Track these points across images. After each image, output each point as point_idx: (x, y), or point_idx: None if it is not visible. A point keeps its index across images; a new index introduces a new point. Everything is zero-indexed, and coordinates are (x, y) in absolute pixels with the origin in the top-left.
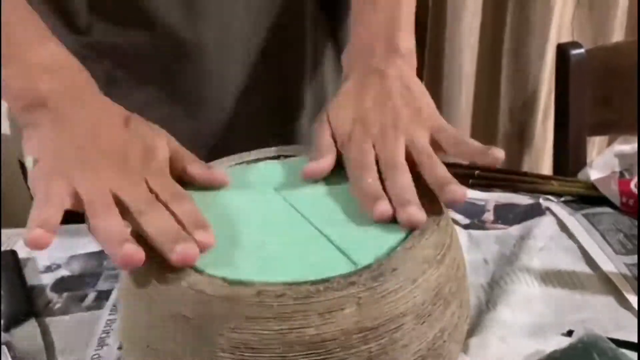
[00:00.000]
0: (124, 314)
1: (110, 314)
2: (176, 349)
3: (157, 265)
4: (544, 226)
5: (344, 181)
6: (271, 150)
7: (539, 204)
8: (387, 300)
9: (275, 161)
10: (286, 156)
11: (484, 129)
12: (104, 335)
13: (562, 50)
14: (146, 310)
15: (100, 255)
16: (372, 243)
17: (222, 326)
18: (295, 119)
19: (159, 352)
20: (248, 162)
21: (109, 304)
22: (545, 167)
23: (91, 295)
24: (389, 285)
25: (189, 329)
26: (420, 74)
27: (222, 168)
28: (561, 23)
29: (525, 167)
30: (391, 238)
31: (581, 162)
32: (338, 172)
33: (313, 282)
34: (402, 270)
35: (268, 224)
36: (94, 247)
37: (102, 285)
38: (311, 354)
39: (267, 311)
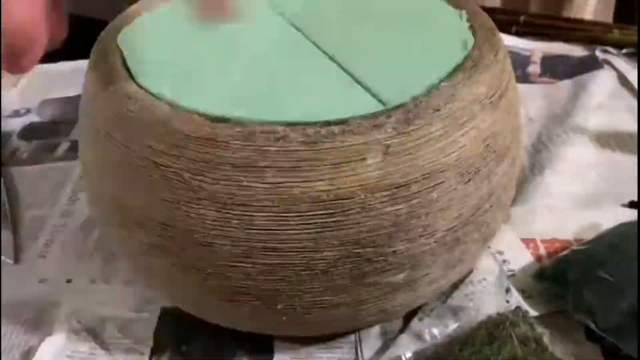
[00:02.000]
0: (84, 159)
1: None
2: (147, 202)
3: (117, 94)
4: (602, 81)
5: (375, 8)
6: None
7: (595, 56)
8: (424, 149)
9: None
10: None
11: None
12: (76, 188)
13: None
14: (101, 154)
15: (77, 100)
16: (408, 79)
17: (203, 175)
18: None
19: (127, 206)
20: None
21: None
22: (589, 11)
23: (64, 145)
24: (428, 130)
25: (159, 178)
26: None
27: None
28: None
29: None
30: (434, 72)
31: None
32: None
33: (325, 123)
34: (445, 111)
35: (268, 52)
36: (71, 90)
37: (77, 134)
38: (319, 215)
39: (261, 158)
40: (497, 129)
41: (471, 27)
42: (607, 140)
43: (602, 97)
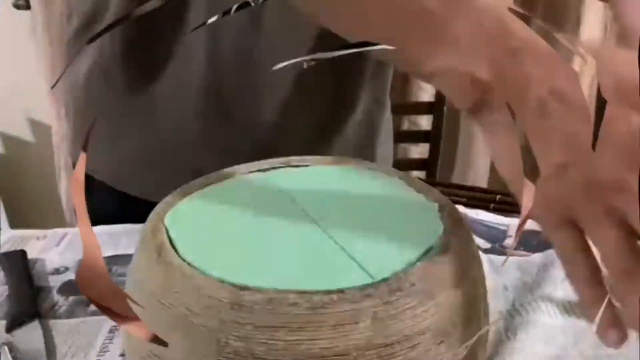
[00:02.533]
0: None
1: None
2: (179, 357)
3: (164, 265)
4: None
5: (367, 188)
6: (280, 161)
7: None
8: (404, 316)
9: (293, 169)
10: (297, 165)
11: None
12: (107, 341)
13: None
14: (149, 315)
15: (110, 260)
16: (390, 256)
17: (230, 334)
18: (348, 121)
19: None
20: (264, 170)
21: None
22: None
23: None
24: (407, 300)
25: (194, 335)
26: None
27: (238, 176)
28: None
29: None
30: (411, 252)
31: None
32: (359, 175)
33: (327, 292)
34: (421, 286)
35: (282, 232)
36: (105, 251)
37: None
38: None
39: (277, 320)
40: (463, 300)
41: (442, 217)
42: (573, 308)
43: None
